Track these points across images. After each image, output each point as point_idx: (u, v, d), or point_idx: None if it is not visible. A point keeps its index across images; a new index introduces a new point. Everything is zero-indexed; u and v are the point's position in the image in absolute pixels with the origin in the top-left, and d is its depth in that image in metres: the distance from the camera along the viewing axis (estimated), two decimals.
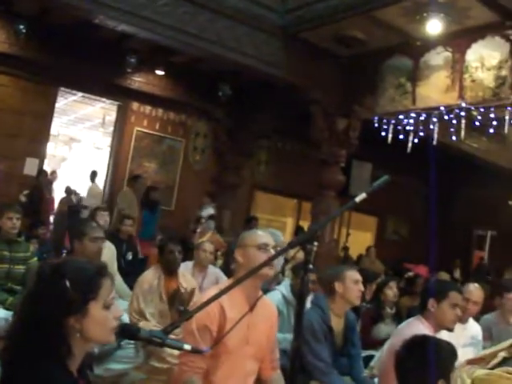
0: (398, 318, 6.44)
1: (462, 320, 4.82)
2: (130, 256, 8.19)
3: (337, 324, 4.52)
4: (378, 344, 5.96)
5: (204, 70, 11.23)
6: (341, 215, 14.63)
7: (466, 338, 4.84)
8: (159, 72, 11.71)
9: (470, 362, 0.91)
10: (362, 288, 4.56)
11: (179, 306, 5.22)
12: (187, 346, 2.15)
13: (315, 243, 2.17)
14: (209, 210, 11.26)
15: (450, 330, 3.95)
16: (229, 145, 12.73)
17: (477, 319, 5.43)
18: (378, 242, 15.52)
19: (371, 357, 5.52)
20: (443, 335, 3.74)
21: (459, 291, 4.11)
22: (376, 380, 4.58)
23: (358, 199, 2.21)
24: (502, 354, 0.94)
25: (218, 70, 10.93)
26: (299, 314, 2.19)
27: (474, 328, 5.11)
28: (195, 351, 2.29)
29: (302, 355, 4.19)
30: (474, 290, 5.20)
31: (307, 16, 8.83)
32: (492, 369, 0.93)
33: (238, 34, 8.80)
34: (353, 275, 4.50)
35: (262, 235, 3.24)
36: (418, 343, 2.54)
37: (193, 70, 11.34)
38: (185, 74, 11.55)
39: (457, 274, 13.91)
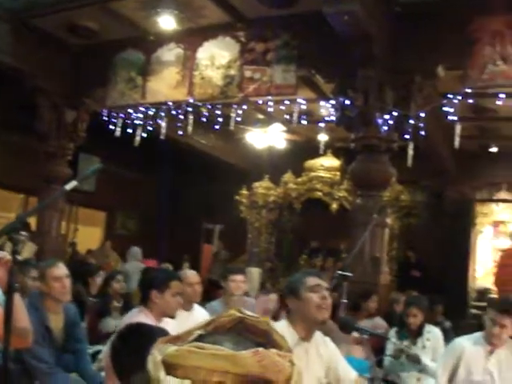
0: (126, 311, 6.42)
1: (187, 307, 4.97)
2: None
3: (55, 321, 4.39)
4: (106, 338, 5.89)
5: None
6: (69, 211, 14.22)
7: (192, 323, 4.94)
8: None
9: (165, 340, 0.91)
10: (67, 284, 4.35)
11: None
12: None
13: (23, 233, 2.06)
14: None
15: (173, 317, 4.02)
16: None
17: (203, 306, 5.60)
18: (107, 237, 15.28)
19: (100, 351, 5.45)
20: (170, 323, 3.83)
21: (179, 279, 4.20)
22: (103, 373, 4.52)
23: (68, 187, 2.17)
24: (198, 332, 0.96)
25: None
26: (7, 310, 2.06)
27: (199, 313, 5.24)
28: None
29: (24, 359, 4.08)
30: (191, 275, 5.38)
31: (39, 2, 8.50)
32: None
33: None
34: (53, 272, 4.29)
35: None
36: (131, 331, 2.52)
37: None
38: None
39: (186, 267, 14.27)
